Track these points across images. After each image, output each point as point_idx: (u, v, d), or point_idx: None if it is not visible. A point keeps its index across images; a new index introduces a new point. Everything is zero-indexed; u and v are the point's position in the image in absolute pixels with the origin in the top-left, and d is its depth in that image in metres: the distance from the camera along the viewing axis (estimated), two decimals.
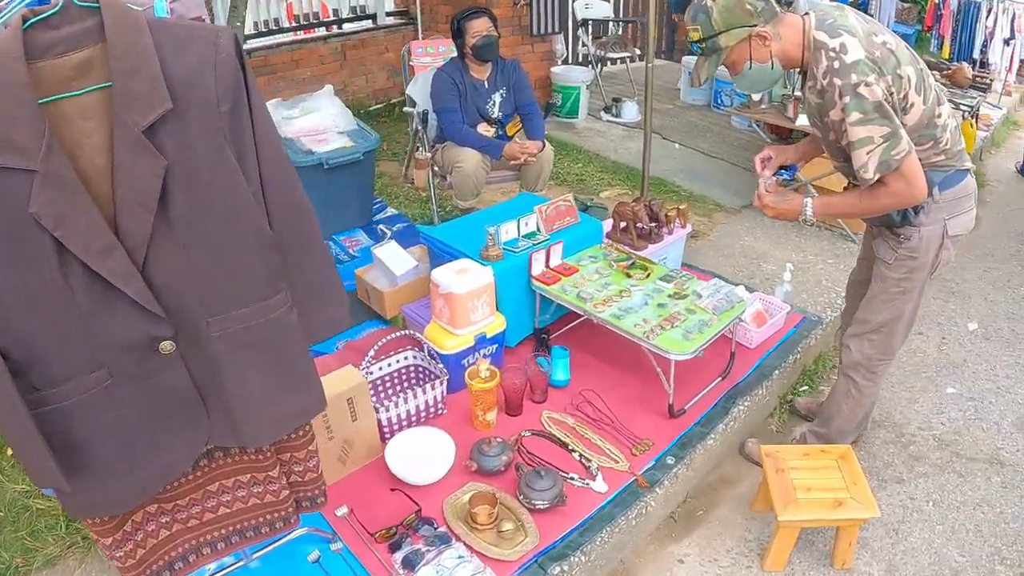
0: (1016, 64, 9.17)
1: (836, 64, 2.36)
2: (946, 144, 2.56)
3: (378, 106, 7.64)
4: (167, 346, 1.64)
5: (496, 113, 4.73)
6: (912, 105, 2.44)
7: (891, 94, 2.36)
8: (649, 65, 4.39)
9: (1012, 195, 7.27)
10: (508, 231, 3.68)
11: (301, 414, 2.00)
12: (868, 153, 2.37)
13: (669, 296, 3.41)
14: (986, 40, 8.78)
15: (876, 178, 2.40)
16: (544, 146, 4.62)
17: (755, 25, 2.51)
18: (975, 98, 7.02)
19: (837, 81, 2.35)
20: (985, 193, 7.27)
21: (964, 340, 4.57)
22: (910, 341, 4.40)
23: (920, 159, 2.45)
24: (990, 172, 7.76)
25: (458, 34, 4.60)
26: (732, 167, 6.67)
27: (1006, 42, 8.77)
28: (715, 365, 3.60)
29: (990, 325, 4.76)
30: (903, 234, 2.69)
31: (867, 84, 2.30)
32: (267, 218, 1.69)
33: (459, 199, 4.68)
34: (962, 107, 6.50)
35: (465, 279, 3.28)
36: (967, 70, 7.43)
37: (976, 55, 8.84)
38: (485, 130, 4.70)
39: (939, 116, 2.53)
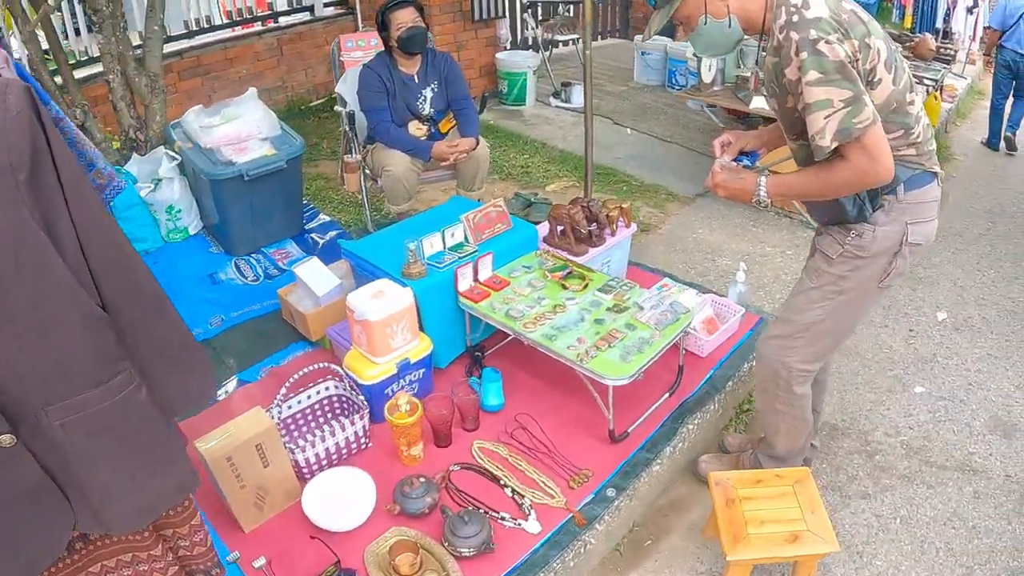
0: (980, 32, 8.94)
1: (795, 18, 2.09)
2: (918, 137, 2.29)
3: (319, 101, 7.32)
4: (6, 439, 1.46)
5: (427, 110, 4.43)
6: (880, 81, 2.17)
7: (856, 60, 2.09)
8: (587, 52, 4.08)
9: (979, 169, 7.05)
10: (432, 244, 3.38)
11: (168, 497, 1.82)
12: (826, 118, 2.08)
13: (608, 310, 3.12)
14: (949, 9, 8.58)
15: (833, 147, 2.11)
16: (477, 143, 4.31)
17: None
18: (939, 71, 6.76)
19: (794, 35, 2.08)
20: (952, 168, 7.05)
21: (933, 332, 4.32)
22: (876, 336, 4.17)
23: (892, 148, 2.19)
24: (956, 145, 7.54)
25: (383, 27, 4.29)
26: (687, 152, 6.40)
27: (969, 10, 8.58)
28: (663, 379, 3.32)
29: (960, 314, 4.52)
30: (855, 229, 2.38)
31: (827, 42, 2.04)
32: (96, 292, 1.51)
33: (391, 204, 4.38)
34: (926, 81, 6.24)
35: (381, 304, 3.00)
36: (930, 42, 7.18)
37: (939, 24, 8.64)
38: (417, 128, 4.40)
39: (911, 104, 2.27)
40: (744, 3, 2.27)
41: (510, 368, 3.41)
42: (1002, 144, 7.55)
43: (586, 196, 4.37)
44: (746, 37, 2.40)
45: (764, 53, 2.34)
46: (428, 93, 4.40)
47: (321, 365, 3.02)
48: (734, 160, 2.66)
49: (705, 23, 2.33)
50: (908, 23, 8.81)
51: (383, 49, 4.42)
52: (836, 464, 3.33)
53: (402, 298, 3.05)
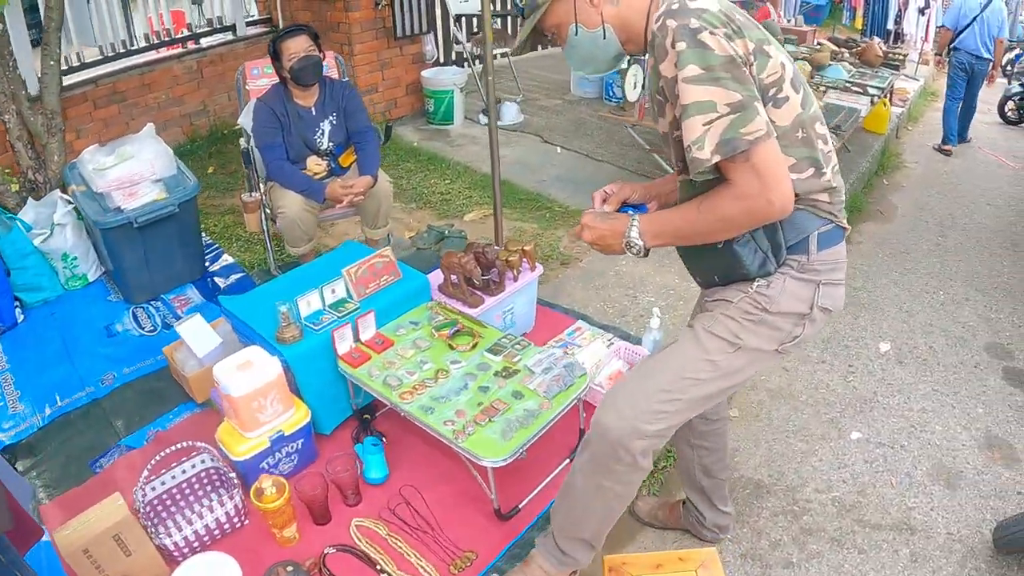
0: (932, 33, 8.77)
1: (675, 6, 1.73)
2: (831, 182, 1.91)
3: None
4: None
5: (326, 144, 4.11)
6: (787, 99, 1.79)
7: (749, 64, 1.72)
8: (489, 79, 3.76)
9: (931, 177, 6.81)
10: (310, 303, 3.08)
11: None
12: (706, 124, 1.67)
13: (496, 374, 2.82)
14: (900, 10, 8.41)
15: (713, 161, 1.68)
16: (375, 181, 4.00)
17: None
18: (886, 77, 6.53)
19: (671, 22, 1.70)
20: (902, 176, 6.83)
21: (875, 367, 4.03)
22: (812, 373, 3.89)
23: (798, 192, 1.81)
24: (907, 151, 7.32)
25: (276, 57, 3.97)
26: (618, 171, 6.10)
27: (921, 11, 8.42)
28: (562, 443, 3.03)
29: (904, 344, 4.24)
30: (760, 282, 1.95)
31: (713, 33, 1.66)
32: None
33: (290, 246, 4.08)
34: (870, 90, 5.98)
35: (245, 377, 2.73)
36: (878, 47, 6.97)
37: (890, 26, 8.46)
38: (316, 164, 4.09)
39: (822, 139, 1.90)
40: (623, 11, 1.91)
41: (400, 433, 3.12)
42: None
43: (496, 238, 4.09)
44: (628, 55, 2.05)
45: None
46: (326, 126, 4.09)
47: (185, 444, 2.73)
48: (618, 211, 2.20)
49: (576, 34, 1.98)
50: (859, 24, 8.62)
51: (278, 81, 4.11)
52: (758, 528, 3.03)
53: (268, 370, 2.78)
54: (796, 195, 1.78)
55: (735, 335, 2.01)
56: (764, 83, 1.76)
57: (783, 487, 3.22)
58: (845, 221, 2.00)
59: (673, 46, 1.69)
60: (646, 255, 1.99)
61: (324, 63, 4.42)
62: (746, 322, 1.99)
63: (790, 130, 1.81)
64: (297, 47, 3.89)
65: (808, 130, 1.85)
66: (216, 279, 4.54)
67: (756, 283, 1.95)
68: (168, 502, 2.85)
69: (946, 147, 7.74)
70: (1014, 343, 4.32)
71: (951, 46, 7.57)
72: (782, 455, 3.39)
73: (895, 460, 3.39)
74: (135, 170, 4.21)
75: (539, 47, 2.20)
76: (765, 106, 1.73)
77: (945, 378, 3.97)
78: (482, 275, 3.30)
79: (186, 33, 6.86)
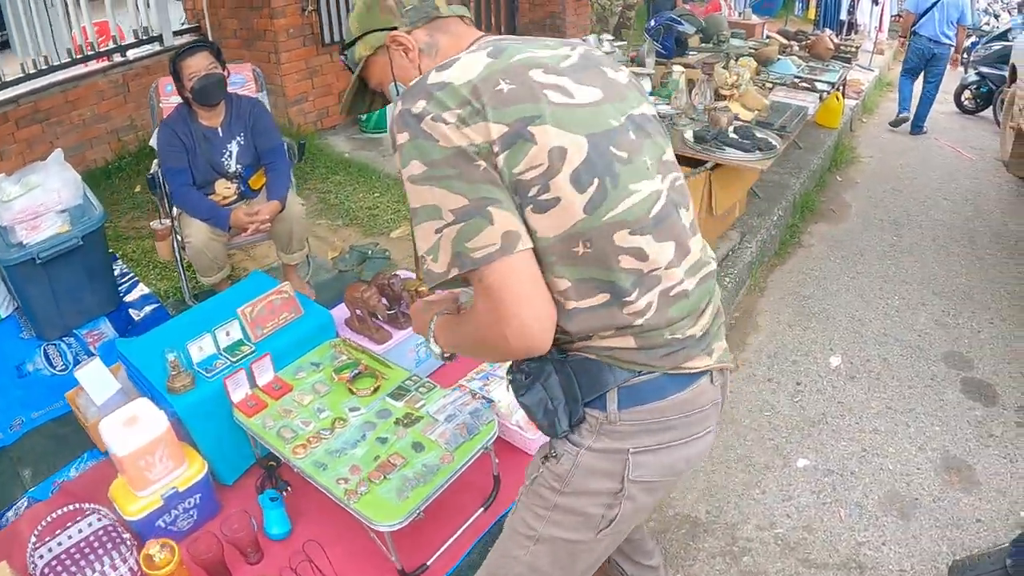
0: (887, 22, 8.66)
1: (415, 81, 1.43)
2: (645, 312, 1.44)
3: None
4: None
5: (234, 166, 3.85)
6: (556, 202, 1.36)
7: (493, 154, 1.33)
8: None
9: (886, 171, 6.62)
10: (202, 348, 2.84)
11: None
12: (437, 232, 1.34)
13: (396, 422, 2.59)
14: (853, 1, 8.30)
15: (451, 276, 1.35)
16: (283, 206, 3.74)
17: (395, 28, 1.59)
18: (837, 71, 6.34)
19: (399, 105, 1.38)
20: (856, 172, 6.63)
21: (824, 384, 3.83)
22: (758, 394, 3.69)
23: (579, 330, 1.44)
24: (862, 144, 7.15)
25: (177, 76, 3.70)
26: None
27: (874, 1, 8.31)
28: (477, 486, 2.79)
29: (856, 356, 4.04)
30: (554, 447, 1.58)
31: (436, 118, 1.33)
32: None
33: (201, 276, 3.83)
34: (820, 85, 5.77)
35: (130, 435, 2.51)
36: (828, 39, 6.78)
37: (843, 17, 8.34)
38: (225, 188, 3.83)
39: (633, 255, 1.42)
40: (439, 63, 1.50)
41: (305, 481, 2.87)
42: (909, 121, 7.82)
43: (416, 264, 3.84)
44: None
45: None
46: (234, 147, 3.82)
47: (73, 507, 2.56)
48: None
49: (397, 93, 1.65)
50: (812, 15, 8.49)
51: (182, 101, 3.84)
52: (692, 573, 2.81)
53: (153, 425, 2.56)
54: (571, 332, 1.43)
55: (529, 526, 1.66)
56: (519, 179, 1.35)
57: (722, 524, 3.01)
58: (700, 361, 1.54)
59: (397, 133, 1.38)
60: (451, 359, 1.70)
61: (241, 76, 4.20)
62: (540, 510, 1.63)
63: (561, 243, 1.38)
64: (197, 65, 3.63)
65: (599, 243, 1.39)
66: (131, 311, 4.28)
67: (548, 458, 1.60)
68: (68, 562, 2.59)
69: (903, 115, 7.96)
70: (973, 351, 4.13)
71: (912, 30, 7.66)
72: (722, 488, 3.18)
73: (844, 489, 3.18)
74: (40, 200, 3.95)
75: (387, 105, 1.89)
76: (524, 210, 1.36)
77: (900, 393, 3.77)
78: (389, 308, 3.06)
79: (111, 45, 6.55)
